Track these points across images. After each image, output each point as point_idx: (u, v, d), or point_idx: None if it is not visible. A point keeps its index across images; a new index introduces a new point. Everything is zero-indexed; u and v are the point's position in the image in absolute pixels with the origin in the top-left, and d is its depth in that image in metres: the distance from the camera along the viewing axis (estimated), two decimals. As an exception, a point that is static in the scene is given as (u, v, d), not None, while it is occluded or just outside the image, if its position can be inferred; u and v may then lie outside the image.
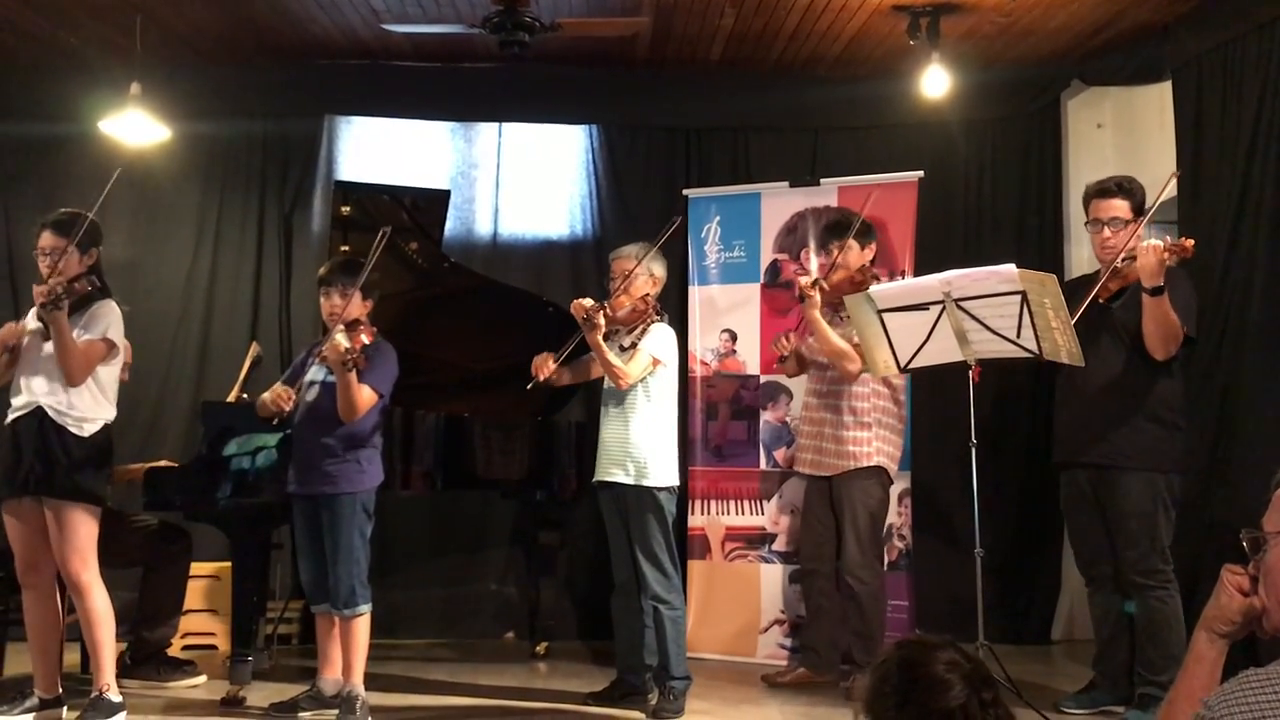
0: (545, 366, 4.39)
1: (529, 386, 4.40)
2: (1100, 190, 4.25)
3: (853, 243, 4.64)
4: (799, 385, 5.37)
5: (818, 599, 4.82)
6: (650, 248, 4.42)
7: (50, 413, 3.98)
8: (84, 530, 3.99)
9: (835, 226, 4.78)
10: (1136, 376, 4.12)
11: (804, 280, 4.56)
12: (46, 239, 4.06)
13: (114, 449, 4.18)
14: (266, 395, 4.15)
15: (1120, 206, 4.17)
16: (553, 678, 5.09)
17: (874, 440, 4.64)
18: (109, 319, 4.06)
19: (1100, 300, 4.04)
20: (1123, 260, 4.04)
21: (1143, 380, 4.12)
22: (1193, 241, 3.82)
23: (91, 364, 4.01)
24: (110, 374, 4.13)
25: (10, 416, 4.06)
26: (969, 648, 1.71)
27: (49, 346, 3.97)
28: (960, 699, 1.57)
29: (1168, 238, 3.92)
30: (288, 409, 4.10)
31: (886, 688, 1.62)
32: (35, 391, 4.00)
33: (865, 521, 4.64)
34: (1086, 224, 4.30)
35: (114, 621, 4.10)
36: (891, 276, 5.24)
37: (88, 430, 4.02)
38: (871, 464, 4.64)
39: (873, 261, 4.80)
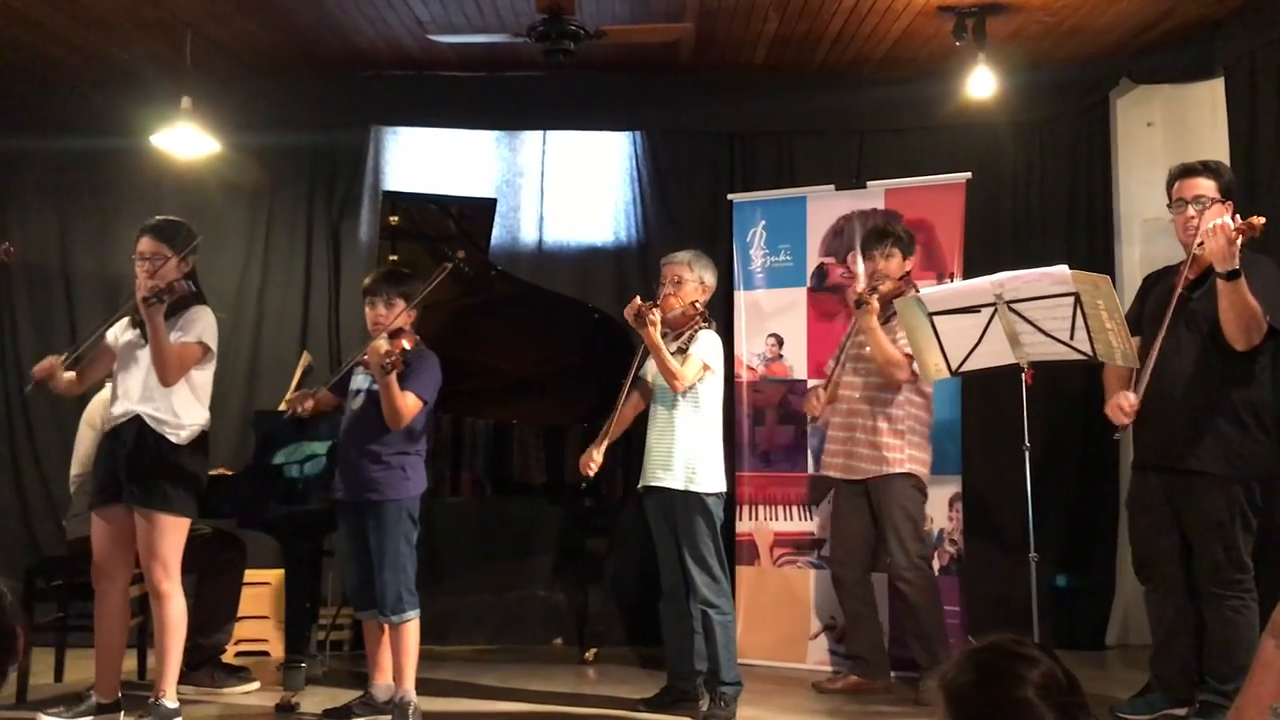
0: (590, 464, 4.34)
1: (583, 486, 4.44)
2: (1185, 170, 4.08)
3: (896, 251, 4.69)
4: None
5: (854, 605, 4.81)
6: (701, 255, 4.43)
7: (148, 420, 4.05)
8: (171, 539, 4.05)
9: (881, 233, 4.79)
10: (1216, 373, 3.94)
11: (862, 287, 4.54)
12: (145, 244, 4.12)
13: (209, 452, 4.26)
14: (291, 397, 4.21)
15: (1206, 185, 3.99)
16: (603, 683, 5.09)
17: (906, 448, 4.66)
18: (204, 323, 4.13)
19: (1181, 291, 3.87)
20: (1199, 245, 3.85)
21: (1223, 377, 3.93)
22: (1262, 220, 3.63)
23: (185, 366, 4.07)
24: (204, 378, 4.20)
25: (108, 425, 4.14)
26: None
27: (145, 355, 4.04)
28: None
29: (1236, 217, 3.73)
30: (300, 411, 4.16)
31: (969, 706, 1.45)
32: (132, 399, 4.08)
33: (906, 523, 4.64)
34: (1169, 206, 4.11)
35: (185, 631, 4.16)
36: (940, 279, 5.20)
37: (184, 436, 4.10)
38: (904, 470, 4.64)
39: (909, 272, 4.81)
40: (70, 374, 4.22)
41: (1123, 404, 3.91)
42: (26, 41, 5.55)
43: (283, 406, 5.24)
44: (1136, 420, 4.11)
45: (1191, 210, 3.98)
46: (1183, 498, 4.03)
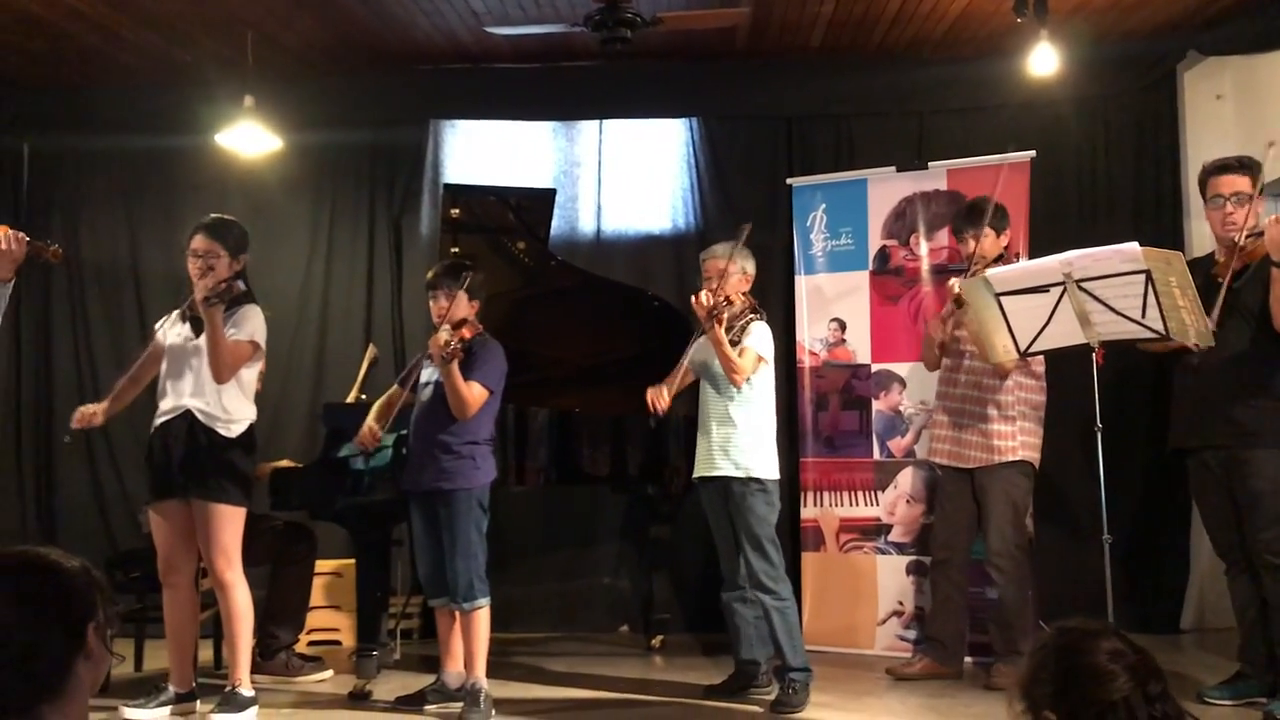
0: (661, 398, 4.32)
1: (653, 425, 4.42)
2: (1221, 166, 4.18)
3: (989, 230, 4.59)
4: (912, 372, 5.31)
5: (946, 589, 4.75)
6: (736, 245, 4.36)
7: (199, 415, 4.12)
8: (230, 529, 4.12)
9: (971, 213, 4.68)
10: (1262, 356, 4.02)
11: (955, 284, 4.45)
12: (199, 241, 4.18)
13: (257, 447, 4.32)
14: (363, 429, 4.29)
15: (1242, 182, 4.09)
16: (670, 670, 5.10)
17: (1018, 434, 4.60)
18: (256, 322, 4.20)
19: (1221, 279, 3.94)
20: (1246, 237, 3.95)
21: (1269, 360, 4.02)
22: None
23: (239, 363, 4.14)
24: (251, 375, 4.28)
25: (158, 421, 4.21)
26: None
27: (193, 353, 4.12)
28: (1124, 691, 1.51)
29: None
30: (370, 448, 4.28)
31: (1044, 675, 1.56)
32: (182, 395, 4.15)
33: (1009, 513, 4.58)
34: (1206, 202, 4.19)
35: (253, 619, 4.24)
36: (1004, 260, 5.11)
37: (235, 431, 4.17)
38: (1016, 458, 4.58)
39: (1006, 247, 4.71)
40: (103, 405, 4.25)
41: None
42: (92, 45, 5.67)
43: (350, 399, 5.32)
44: (1182, 406, 4.21)
45: (1230, 206, 4.09)
46: (1236, 473, 4.07)
